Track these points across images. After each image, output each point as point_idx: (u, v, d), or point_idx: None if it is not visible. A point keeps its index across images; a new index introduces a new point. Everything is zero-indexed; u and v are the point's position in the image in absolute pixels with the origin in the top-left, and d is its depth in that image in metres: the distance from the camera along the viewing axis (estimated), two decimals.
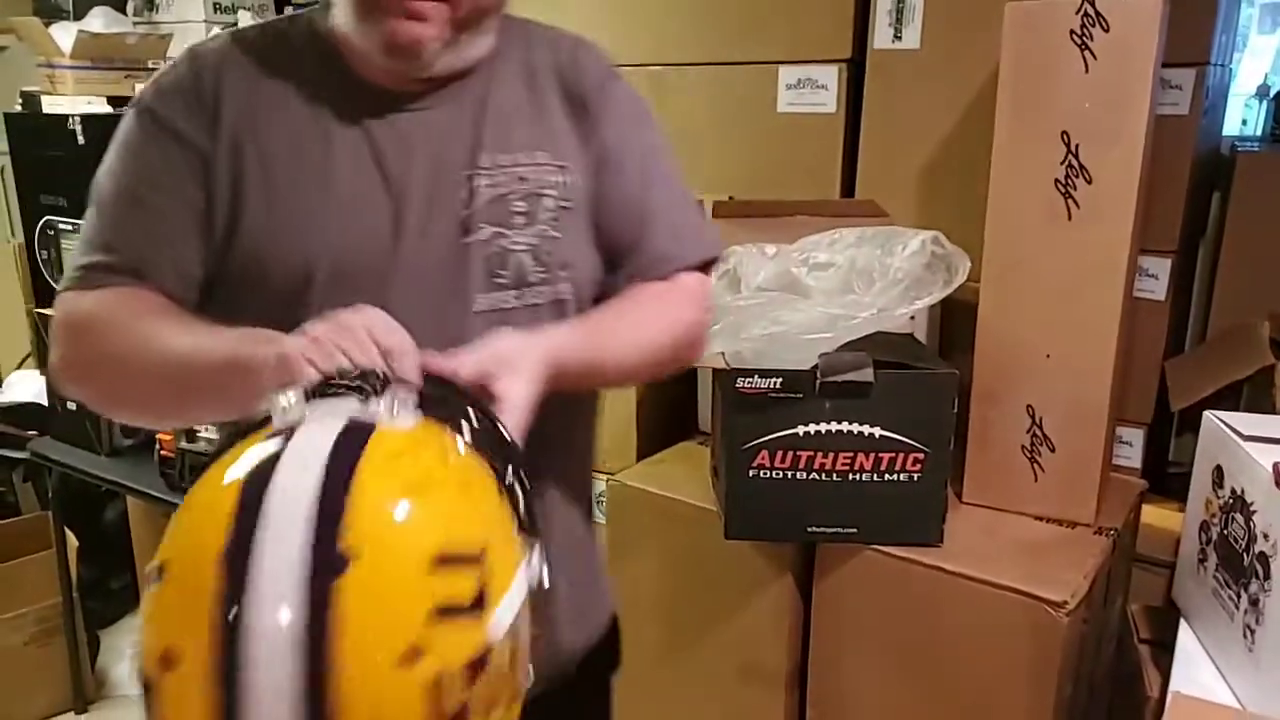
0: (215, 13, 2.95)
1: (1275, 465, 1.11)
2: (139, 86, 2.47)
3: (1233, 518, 1.21)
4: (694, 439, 1.85)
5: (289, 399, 0.63)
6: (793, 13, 1.82)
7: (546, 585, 0.64)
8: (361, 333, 0.69)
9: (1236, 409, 1.52)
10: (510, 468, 0.66)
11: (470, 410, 0.68)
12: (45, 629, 2.36)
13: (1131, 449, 1.76)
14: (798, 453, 1.41)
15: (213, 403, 0.81)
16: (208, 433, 1.90)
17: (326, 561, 0.53)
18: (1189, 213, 1.73)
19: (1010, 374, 1.50)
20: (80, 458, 2.20)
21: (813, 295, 1.41)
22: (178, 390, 0.81)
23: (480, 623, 0.56)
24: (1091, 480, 1.50)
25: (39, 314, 2.26)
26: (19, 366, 2.92)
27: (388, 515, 0.56)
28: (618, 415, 1.77)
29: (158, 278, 0.85)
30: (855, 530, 1.44)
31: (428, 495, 0.58)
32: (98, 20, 2.65)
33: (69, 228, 2.41)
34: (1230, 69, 1.95)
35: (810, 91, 1.83)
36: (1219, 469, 1.27)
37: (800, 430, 1.40)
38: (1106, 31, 1.35)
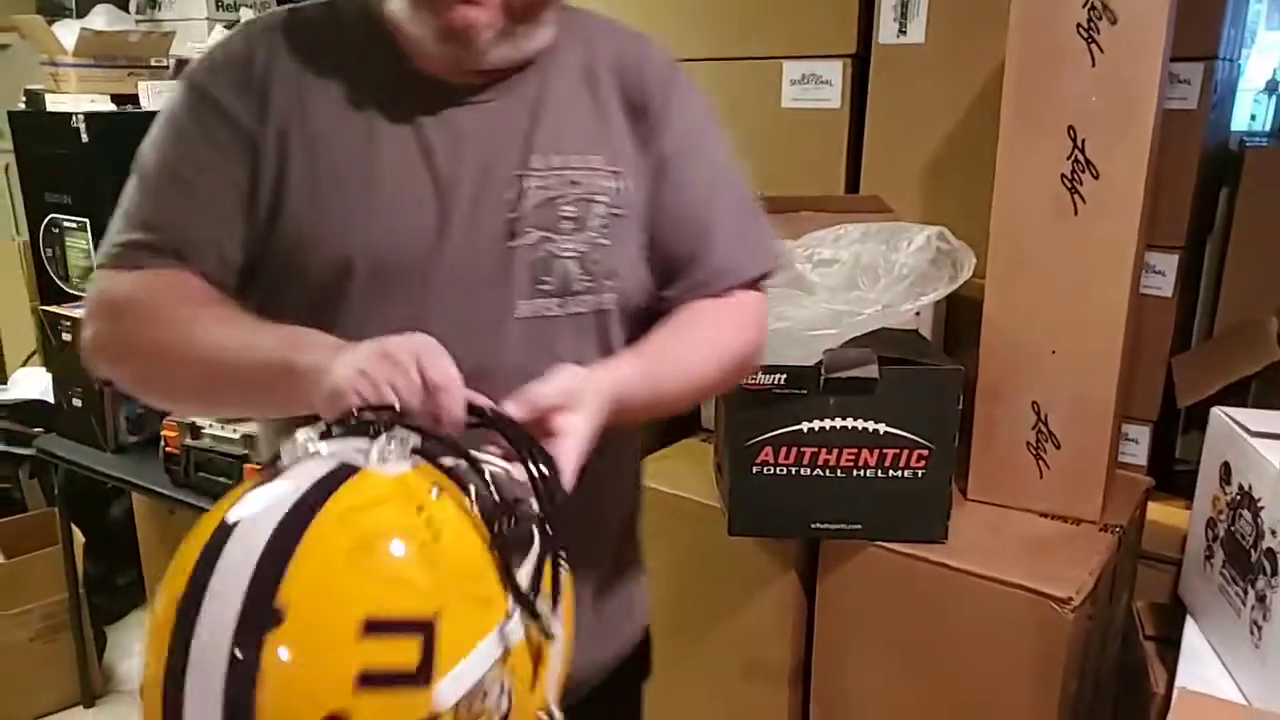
0: (217, 10, 2.95)
1: None
2: (142, 84, 2.51)
3: (1240, 514, 1.21)
4: (697, 435, 1.84)
5: (307, 435, 0.62)
6: (797, 8, 1.82)
7: (555, 635, 0.61)
8: (412, 368, 0.66)
9: (1244, 405, 1.52)
10: (513, 520, 0.61)
11: (530, 449, 0.65)
12: (51, 625, 2.37)
13: (1137, 446, 1.76)
14: (801, 449, 1.40)
15: (252, 402, 0.80)
16: (212, 430, 1.91)
17: (258, 616, 0.52)
18: (1196, 208, 1.72)
19: (1015, 370, 1.50)
20: (86, 454, 2.20)
21: (817, 291, 1.41)
22: (216, 384, 0.80)
23: (424, 691, 0.53)
24: (1097, 477, 1.49)
25: (44, 311, 2.26)
26: (24, 363, 2.92)
27: (322, 574, 0.54)
28: None
29: (199, 261, 0.82)
30: (859, 527, 1.44)
31: (373, 553, 0.55)
32: (100, 18, 2.65)
33: (73, 225, 2.41)
34: (1239, 64, 1.94)
35: (815, 87, 1.83)
36: (1226, 465, 1.26)
37: (804, 426, 1.39)
38: (1114, 25, 1.34)
